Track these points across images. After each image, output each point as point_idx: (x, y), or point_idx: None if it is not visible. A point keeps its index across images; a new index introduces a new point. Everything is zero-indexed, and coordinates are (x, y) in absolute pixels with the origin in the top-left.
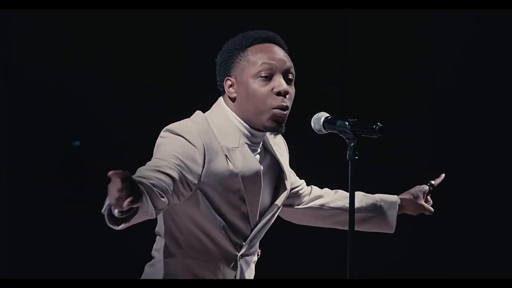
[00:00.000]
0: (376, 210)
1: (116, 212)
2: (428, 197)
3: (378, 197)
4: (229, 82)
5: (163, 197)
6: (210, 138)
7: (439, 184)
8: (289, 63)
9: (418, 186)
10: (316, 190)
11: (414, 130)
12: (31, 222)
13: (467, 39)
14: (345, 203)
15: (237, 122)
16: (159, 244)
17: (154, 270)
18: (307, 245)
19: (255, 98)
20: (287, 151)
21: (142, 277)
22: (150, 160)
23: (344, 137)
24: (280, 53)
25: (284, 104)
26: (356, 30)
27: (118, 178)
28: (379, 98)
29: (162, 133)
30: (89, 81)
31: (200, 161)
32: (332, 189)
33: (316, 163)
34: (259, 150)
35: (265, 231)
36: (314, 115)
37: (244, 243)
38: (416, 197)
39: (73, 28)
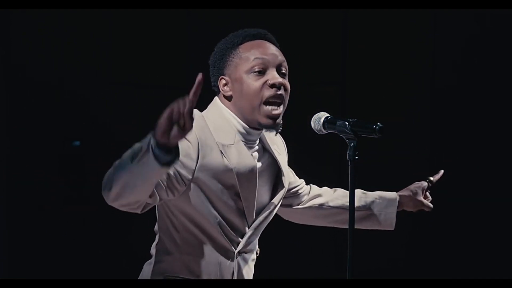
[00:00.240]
0: (375, 207)
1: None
2: (427, 193)
3: (377, 194)
4: (223, 81)
5: (153, 192)
6: (205, 134)
7: (438, 181)
8: (281, 57)
9: (417, 182)
10: (315, 189)
11: (414, 130)
12: (31, 222)
13: (467, 39)
14: (344, 201)
15: (233, 119)
16: (157, 241)
17: (151, 267)
18: (306, 244)
19: (249, 92)
20: (286, 150)
21: (140, 275)
22: None
23: (344, 137)
24: (272, 48)
25: (279, 93)
26: (356, 30)
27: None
28: (379, 98)
29: None
30: (89, 81)
31: (194, 156)
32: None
33: (316, 163)
34: (256, 147)
35: (263, 228)
36: (314, 115)
37: (241, 240)
38: (415, 194)
39: (73, 28)
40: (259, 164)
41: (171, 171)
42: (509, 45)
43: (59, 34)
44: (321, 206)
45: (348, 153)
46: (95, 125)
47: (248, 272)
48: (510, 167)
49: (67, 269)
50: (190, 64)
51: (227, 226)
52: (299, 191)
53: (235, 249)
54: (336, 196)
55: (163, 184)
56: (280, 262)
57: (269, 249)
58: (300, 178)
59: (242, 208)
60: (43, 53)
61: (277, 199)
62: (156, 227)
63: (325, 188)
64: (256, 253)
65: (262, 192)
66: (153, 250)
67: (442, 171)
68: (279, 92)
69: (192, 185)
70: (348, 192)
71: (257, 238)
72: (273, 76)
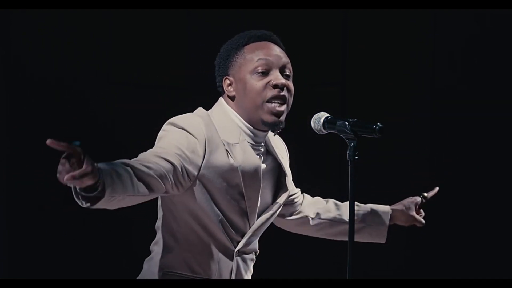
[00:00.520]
0: (367, 220)
1: (74, 187)
2: (421, 210)
3: (370, 207)
4: (227, 81)
5: (159, 181)
6: (212, 131)
7: (432, 197)
8: (285, 59)
9: (411, 197)
10: (307, 200)
11: (414, 130)
12: (31, 222)
13: (467, 39)
14: (336, 214)
15: (238, 120)
16: (157, 238)
17: (151, 264)
18: (306, 244)
19: (252, 92)
20: (288, 154)
21: (140, 273)
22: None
23: (344, 137)
24: (276, 49)
25: (281, 94)
26: (356, 30)
27: (59, 147)
28: (379, 98)
29: (164, 126)
30: (89, 81)
31: (201, 152)
32: (331, 190)
33: (316, 163)
34: (261, 150)
35: (263, 229)
36: (314, 115)
37: (241, 239)
38: (408, 208)
39: (73, 28)
40: (263, 166)
41: (178, 166)
42: (509, 45)
43: (59, 34)
44: (312, 218)
45: (348, 153)
46: (95, 125)
47: (247, 272)
48: (510, 167)
49: (67, 269)
50: (190, 64)
51: (228, 225)
52: (295, 200)
53: (235, 248)
54: (327, 209)
55: (169, 176)
56: (280, 262)
57: (269, 249)
58: (300, 178)
59: (245, 208)
60: (43, 53)
61: (281, 200)
62: (156, 225)
63: (317, 198)
64: (255, 254)
65: (265, 193)
66: (152, 247)
67: (437, 188)
68: (281, 93)
69: (197, 182)
70: (340, 203)
71: (257, 239)
72: (276, 77)
